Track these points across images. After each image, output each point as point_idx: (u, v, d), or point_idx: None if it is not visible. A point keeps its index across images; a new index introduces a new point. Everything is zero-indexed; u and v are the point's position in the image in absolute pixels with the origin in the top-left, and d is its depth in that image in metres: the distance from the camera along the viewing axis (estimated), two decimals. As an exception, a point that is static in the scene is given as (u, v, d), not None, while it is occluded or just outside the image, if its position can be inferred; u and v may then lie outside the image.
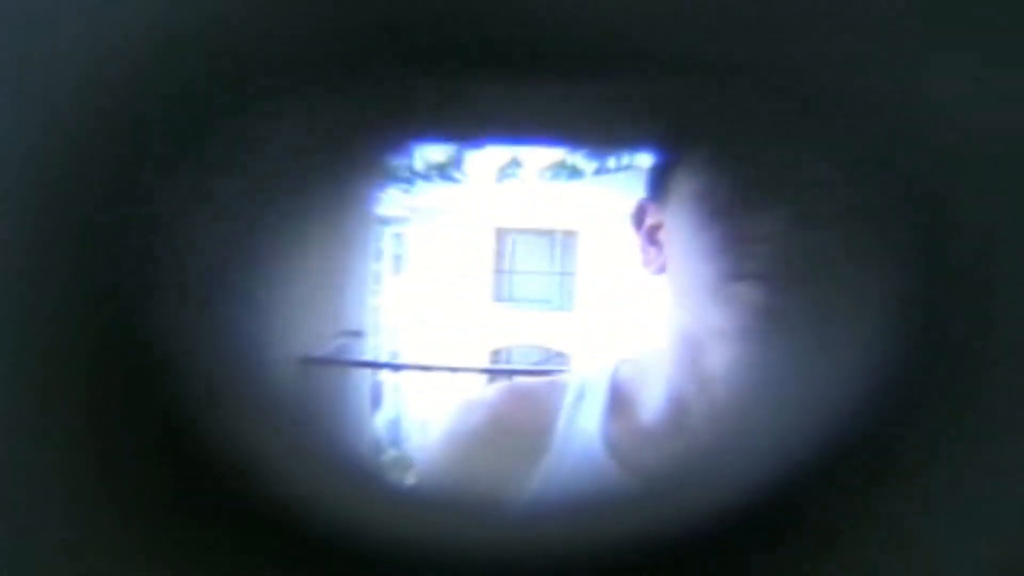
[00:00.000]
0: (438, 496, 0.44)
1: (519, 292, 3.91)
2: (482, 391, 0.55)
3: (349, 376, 0.55)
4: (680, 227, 0.45)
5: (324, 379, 0.53)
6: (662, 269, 0.47)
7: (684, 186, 0.46)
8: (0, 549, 0.23)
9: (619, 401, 0.48)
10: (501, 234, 3.90)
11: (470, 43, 0.26)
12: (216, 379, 0.27)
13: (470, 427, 0.47)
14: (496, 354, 3.55)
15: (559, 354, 3.32)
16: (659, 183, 0.48)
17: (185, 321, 0.27)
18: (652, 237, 0.48)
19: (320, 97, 0.27)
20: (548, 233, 3.91)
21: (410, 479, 0.50)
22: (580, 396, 0.48)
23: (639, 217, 0.49)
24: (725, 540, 0.27)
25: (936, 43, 0.22)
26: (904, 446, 0.25)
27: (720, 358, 0.45)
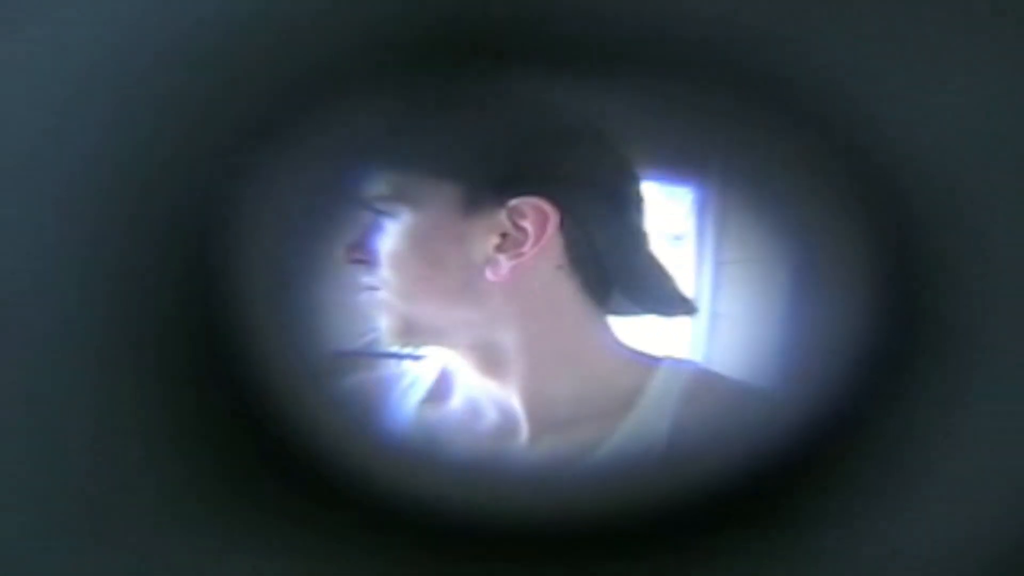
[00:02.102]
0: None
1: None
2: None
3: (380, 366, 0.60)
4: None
5: (357, 368, 0.58)
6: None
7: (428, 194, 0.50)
8: (80, 517, 0.25)
9: (436, 391, 0.55)
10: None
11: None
12: (276, 367, 0.29)
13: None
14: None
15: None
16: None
17: (251, 317, 0.28)
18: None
19: (371, 104, 0.28)
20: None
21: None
22: (412, 383, 0.56)
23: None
24: (699, 519, 0.28)
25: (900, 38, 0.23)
26: (881, 424, 0.26)
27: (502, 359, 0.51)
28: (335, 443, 0.29)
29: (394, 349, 0.55)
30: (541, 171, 0.50)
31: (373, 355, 0.61)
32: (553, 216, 0.50)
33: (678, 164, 0.67)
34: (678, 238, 0.74)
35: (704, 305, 0.68)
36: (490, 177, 0.49)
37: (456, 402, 0.54)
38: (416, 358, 0.59)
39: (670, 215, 0.76)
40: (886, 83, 0.24)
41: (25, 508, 0.25)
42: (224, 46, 0.24)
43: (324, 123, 0.27)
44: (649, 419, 0.52)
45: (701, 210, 0.75)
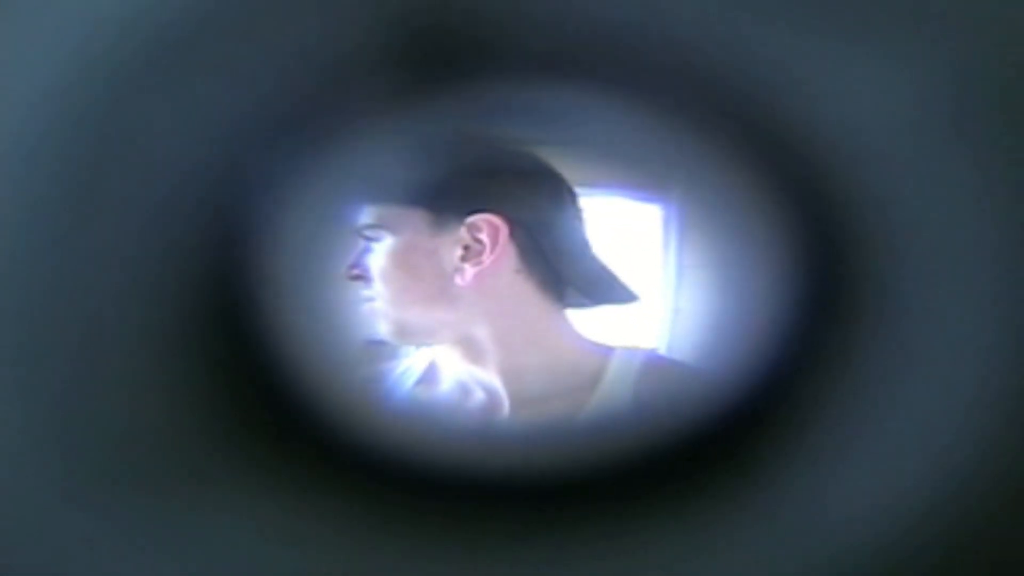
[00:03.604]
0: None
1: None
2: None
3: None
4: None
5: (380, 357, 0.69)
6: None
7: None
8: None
9: (427, 376, 0.66)
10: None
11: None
12: (298, 355, 0.31)
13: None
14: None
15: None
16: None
17: (282, 309, 0.30)
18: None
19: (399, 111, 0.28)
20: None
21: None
22: (406, 370, 0.68)
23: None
24: (655, 474, 0.29)
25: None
26: (807, 394, 0.28)
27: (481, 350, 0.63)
28: (347, 418, 0.31)
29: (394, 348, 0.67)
30: (492, 193, 0.63)
31: (385, 344, 0.72)
32: (503, 228, 0.62)
33: (647, 182, 0.75)
34: (647, 245, 0.85)
35: (668, 303, 0.79)
36: (451, 202, 0.62)
37: (447, 385, 0.66)
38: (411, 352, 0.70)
39: (641, 226, 0.87)
40: (806, 78, 0.24)
41: (61, 469, 0.26)
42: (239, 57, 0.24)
43: (325, 157, 0.29)
44: (613, 394, 0.63)
45: (666, 222, 0.86)
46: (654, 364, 0.64)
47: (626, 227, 0.71)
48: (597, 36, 0.25)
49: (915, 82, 0.22)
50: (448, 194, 0.63)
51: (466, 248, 0.63)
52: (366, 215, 0.63)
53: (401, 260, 0.63)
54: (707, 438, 0.30)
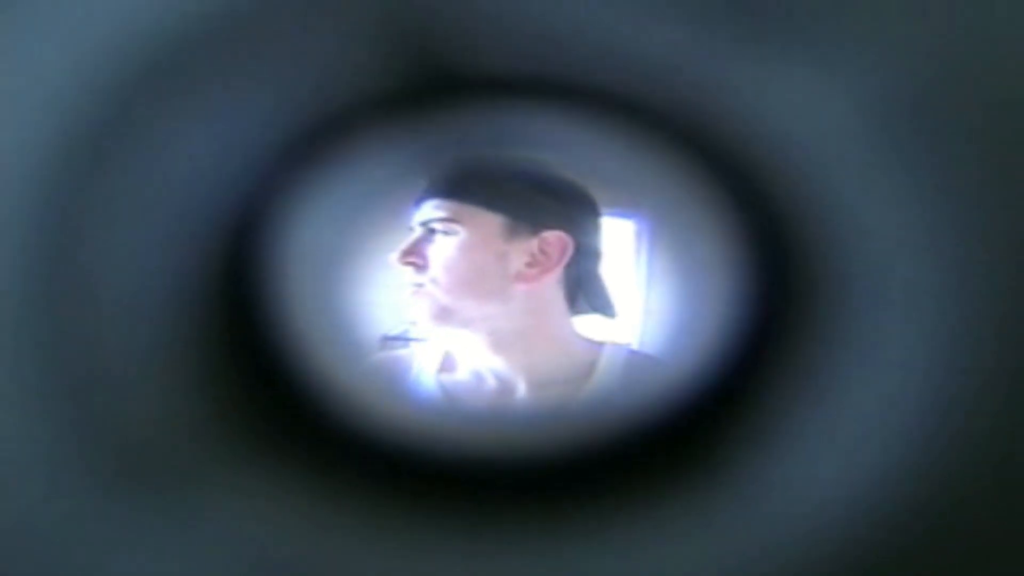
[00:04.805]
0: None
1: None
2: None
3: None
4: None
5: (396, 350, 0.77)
6: None
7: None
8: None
9: (446, 365, 0.75)
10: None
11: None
12: (324, 345, 0.32)
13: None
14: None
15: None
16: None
17: (303, 306, 0.31)
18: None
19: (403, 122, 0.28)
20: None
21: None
22: (424, 361, 0.76)
23: None
24: (641, 450, 0.30)
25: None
26: (765, 382, 0.28)
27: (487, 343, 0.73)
28: (372, 404, 0.32)
29: (427, 333, 0.76)
30: (560, 213, 0.73)
31: (399, 340, 0.83)
32: (571, 248, 0.72)
33: (624, 201, 0.86)
34: (622, 256, 0.97)
35: (640, 305, 0.92)
36: (528, 214, 0.72)
37: (463, 374, 0.75)
38: (424, 343, 0.78)
39: (620, 241, 0.99)
40: (748, 98, 0.24)
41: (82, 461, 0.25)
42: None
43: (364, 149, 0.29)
44: (604, 383, 0.74)
45: (638, 235, 0.98)
46: (633, 358, 0.77)
47: (607, 240, 0.84)
48: (574, 60, 0.26)
49: (847, 94, 0.22)
50: (527, 206, 0.72)
51: (533, 257, 0.72)
52: (440, 208, 0.71)
53: (471, 256, 0.72)
54: (671, 426, 0.30)
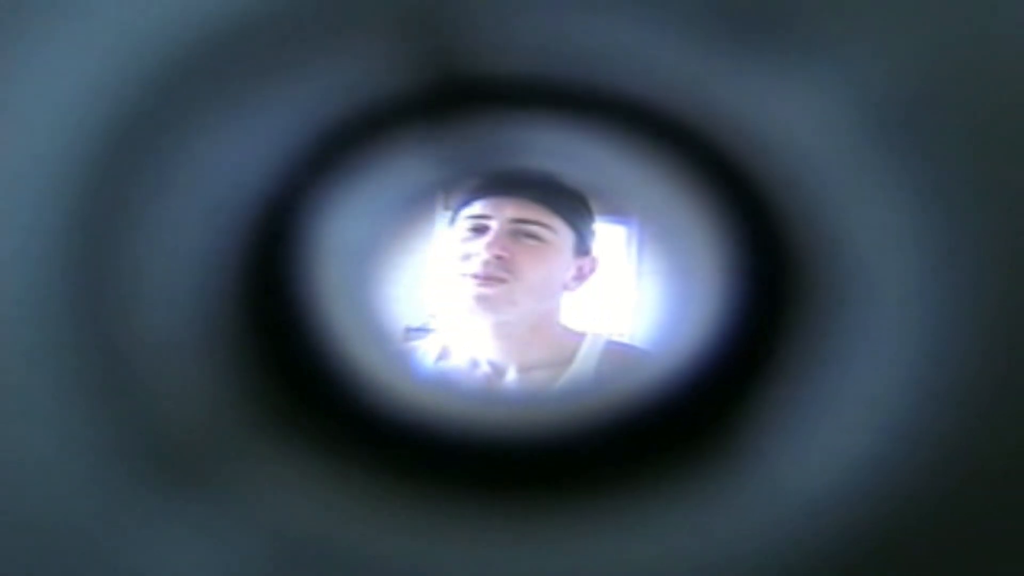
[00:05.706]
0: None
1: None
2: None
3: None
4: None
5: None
6: None
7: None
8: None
9: (443, 353, 0.87)
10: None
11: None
12: (354, 342, 0.34)
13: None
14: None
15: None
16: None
17: (334, 299, 0.33)
18: None
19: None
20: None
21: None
22: (426, 350, 0.87)
23: None
24: (616, 433, 0.30)
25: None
26: (753, 374, 0.28)
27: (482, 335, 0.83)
28: (383, 385, 0.33)
29: (459, 320, 0.87)
30: (595, 235, 0.88)
31: (420, 331, 0.92)
32: (599, 263, 0.87)
33: (616, 206, 0.96)
34: (615, 256, 1.05)
35: (631, 302, 1.00)
36: (585, 235, 0.87)
37: (460, 361, 0.86)
38: (427, 335, 0.89)
39: (612, 244, 1.06)
40: (738, 107, 0.25)
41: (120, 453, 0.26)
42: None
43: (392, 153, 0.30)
44: (583, 369, 0.84)
45: (629, 238, 1.07)
46: (612, 348, 0.86)
47: (600, 243, 0.92)
48: (581, 72, 0.26)
49: (839, 97, 0.23)
50: (589, 229, 0.87)
51: (579, 271, 0.86)
52: (536, 213, 0.83)
53: (557, 262, 0.85)
54: (662, 418, 0.30)
